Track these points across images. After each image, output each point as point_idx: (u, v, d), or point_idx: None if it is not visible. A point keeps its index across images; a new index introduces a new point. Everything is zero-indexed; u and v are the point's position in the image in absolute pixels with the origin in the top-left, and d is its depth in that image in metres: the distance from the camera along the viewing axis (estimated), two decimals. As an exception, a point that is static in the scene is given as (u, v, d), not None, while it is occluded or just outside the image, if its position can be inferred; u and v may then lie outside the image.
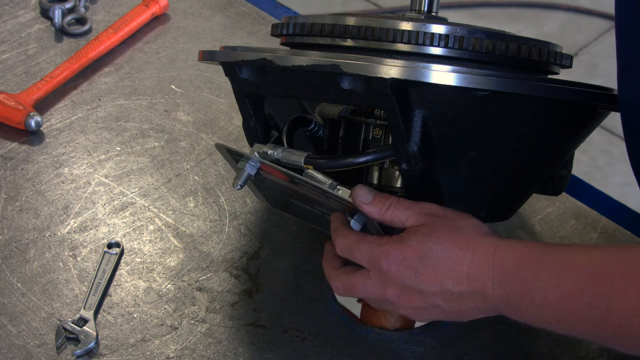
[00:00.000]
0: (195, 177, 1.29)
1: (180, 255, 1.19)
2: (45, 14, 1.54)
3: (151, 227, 1.22)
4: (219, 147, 1.06)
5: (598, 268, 0.87)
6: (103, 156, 1.32)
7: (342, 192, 0.99)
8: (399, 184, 1.05)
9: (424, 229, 0.94)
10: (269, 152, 1.03)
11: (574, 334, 0.92)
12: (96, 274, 1.15)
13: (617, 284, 0.85)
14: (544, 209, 1.28)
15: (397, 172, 1.05)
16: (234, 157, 1.05)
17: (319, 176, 1.00)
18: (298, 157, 1.01)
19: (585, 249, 0.92)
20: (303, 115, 1.10)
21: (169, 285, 1.15)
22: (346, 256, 0.99)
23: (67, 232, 1.21)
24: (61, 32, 1.52)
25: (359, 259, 0.97)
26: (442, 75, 0.92)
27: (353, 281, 0.98)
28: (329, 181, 1.00)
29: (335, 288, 1.01)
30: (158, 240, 1.21)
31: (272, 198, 1.14)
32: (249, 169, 1.03)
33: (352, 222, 0.99)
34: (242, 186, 1.04)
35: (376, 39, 0.98)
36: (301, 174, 1.00)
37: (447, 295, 0.93)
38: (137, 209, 1.24)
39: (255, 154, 1.04)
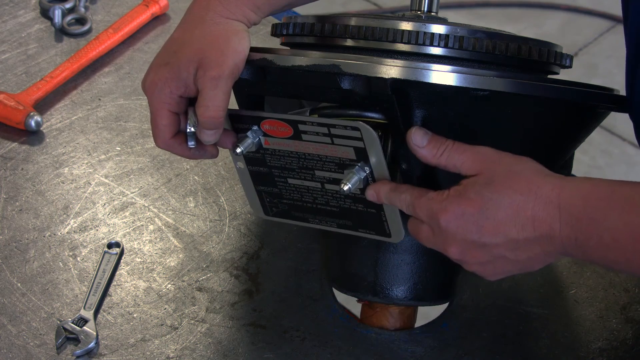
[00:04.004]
0: (195, 177, 1.29)
1: (180, 255, 1.19)
2: (45, 14, 1.54)
3: (151, 227, 1.22)
4: None
5: None
6: (103, 156, 1.32)
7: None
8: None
9: (482, 179, 0.91)
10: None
11: None
12: (96, 274, 1.15)
13: None
14: (544, 209, 1.28)
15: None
16: (236, 125, 1.04)
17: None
18: (301, 114, 1.01)
19: None
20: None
21: (169, 285, 1.15)
22: (410, 213, 0.96)
23: (67, 232, 1.21)
24: (61, 32, 1.52)
25: (420, 215, 0.94)
26: (442, 75, 0.92)
27: (418, 229, 0.95)
28: None
29: (410, 231, 0.98)
30: (158, 240, 1.21)
31: (268, 194, 1.12)
32: (251, 135, 1.03)
33: (357, 169, 0.98)
34: (242, 151, 1.02)
35: (376, 39, 0.98)
36: None
37: (513, 244, 0.90)
38: (137, 209, 1.24)
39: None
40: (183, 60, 0.96)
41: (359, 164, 0.98)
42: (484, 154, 0.93)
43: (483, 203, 0.90)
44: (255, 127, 1.02)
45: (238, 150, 1.02)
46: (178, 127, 1.00)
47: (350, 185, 0.98)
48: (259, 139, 1.03)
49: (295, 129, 1.00)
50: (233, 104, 1.03)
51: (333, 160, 1.01)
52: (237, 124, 1.04)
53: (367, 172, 0.99)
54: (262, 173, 1.08)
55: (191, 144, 1.00)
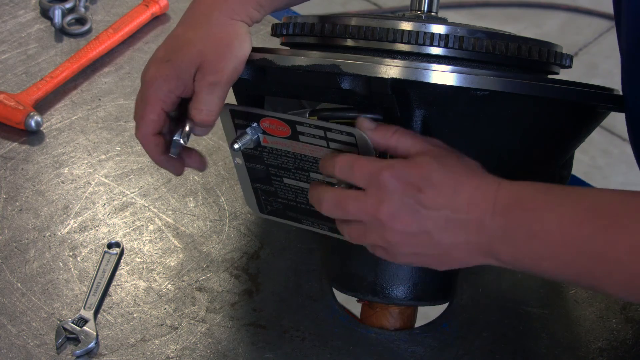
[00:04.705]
0: (195, 177, 1.29)
1: (180, 255, 1.19)
2: (45, 14, 1.54)
3: (151, 227, 1.22)
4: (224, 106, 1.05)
5: (604, 203, 0.85)
6: (103, 156, 1.32)
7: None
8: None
9: (432, 153, 0.92)
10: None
11: (563, 275, 0.89)
12: (96, 274, 1.15)
13: (620, 219, 0.83)
14: (544, 209, 1.28)
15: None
16: (236, 121, 1.04)
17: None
18: (301, 115, 1.01)
19: (595, 189, 0.89)
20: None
21: (169, 285, 1.15)
22: (343, 174, 0.93)
23: (67, 232, 1.21)
24: (61, 32, 1.52)
25: (357, 176, 0.92)
26: (442, 75, 0.92)
27: (346, 195, 0.93)
28: None
29: (325, 204, 0.94)
30: (158, 240, 1.21)
31: (264, 192, 1.12)
32: (250, 132, 1.03)
33: None
34: (240, 148, 1.02)
35: (376, 39, 0.98)
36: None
37: (443, 220, 0.89)
38: (137, 209, 1.24)
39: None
40: (185, 61, 0.97)
41: None
42: (435, 140, 0.94)
43: (429, 171, 0.90)
44: (254, 124, 1.03)
45: (236, 146, 1.02)
46: (162, 126, 1.00)
47: None
48: (258, 136, 1.03)
49: (293, 129, 1.00)
50: (232, 101, 1.03)
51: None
52: (237, 119, 1.04)
53: None
54: (259, 170, 1.08)
55: (173, 151, 1.01)
